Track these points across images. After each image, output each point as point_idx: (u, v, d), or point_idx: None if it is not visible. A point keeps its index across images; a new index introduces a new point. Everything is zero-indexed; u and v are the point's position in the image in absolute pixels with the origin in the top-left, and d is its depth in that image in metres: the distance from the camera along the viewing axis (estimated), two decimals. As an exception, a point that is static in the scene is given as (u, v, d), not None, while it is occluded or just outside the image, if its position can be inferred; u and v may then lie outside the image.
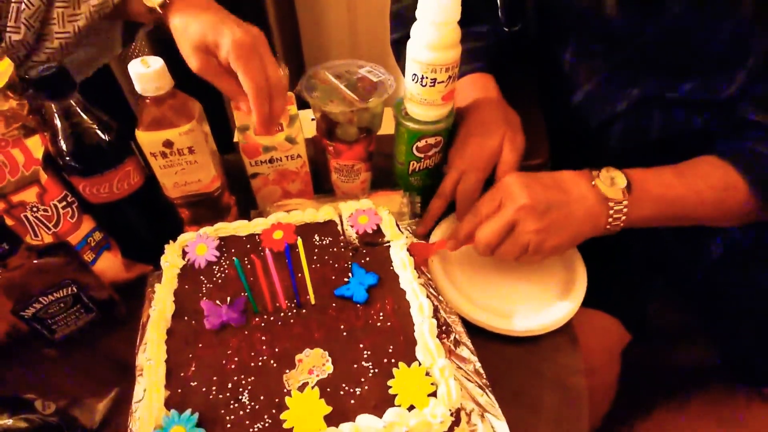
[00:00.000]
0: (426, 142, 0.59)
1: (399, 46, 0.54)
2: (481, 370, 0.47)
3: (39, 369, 0.49)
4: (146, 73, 0.45)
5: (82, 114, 0.46)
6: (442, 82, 0.53)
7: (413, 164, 0.62)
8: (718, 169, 0.49)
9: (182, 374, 0.41)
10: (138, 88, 0.46)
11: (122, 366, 0.47)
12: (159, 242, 0.50)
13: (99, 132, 0.47)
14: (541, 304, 0.53)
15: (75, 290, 0.46)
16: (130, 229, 0.55)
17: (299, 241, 0.40)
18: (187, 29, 0.46)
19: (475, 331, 0.51)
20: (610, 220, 0.48)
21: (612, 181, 0.48)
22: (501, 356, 0.50)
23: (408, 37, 0.51)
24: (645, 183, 0.48)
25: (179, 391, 0.40)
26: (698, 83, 0.51)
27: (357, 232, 0.51)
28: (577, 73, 0.61)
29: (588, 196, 0.48)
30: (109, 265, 0.53)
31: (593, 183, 0.48)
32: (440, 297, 0.53)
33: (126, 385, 0.44)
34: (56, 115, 0.44)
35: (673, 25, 0.49)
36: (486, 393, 0.45)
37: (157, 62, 0.45)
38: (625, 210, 0.47)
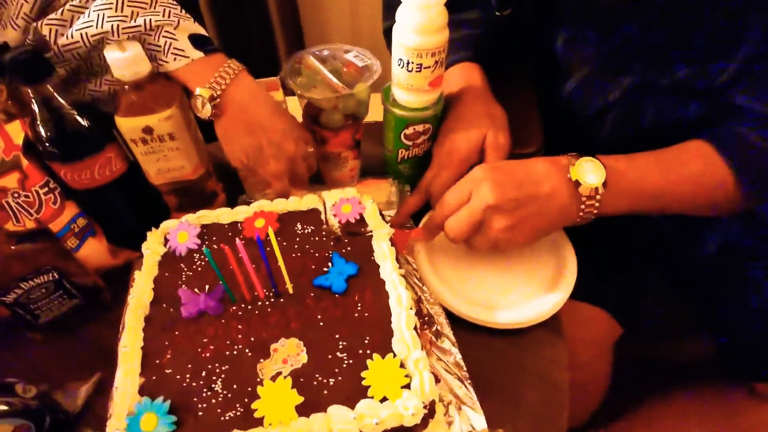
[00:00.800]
0: (414, 129, 0.57)
1: (391, 35, 0.52)
2: (462, 363, 0.46)
3: (22, 353, 0.49)
4: (123, 57, 0.44)
5: (60, 99, 0.45)
6: (429, 67, 0.51)
7: (402, 152, 0.61)
8: (702, 157, 0.47)
9: (157, 361, 0.41)
10: (115, 73, 0.45)
11: (106, 351, 0.47)
12: (145, 228, 0.50)
13: (78, 118, 0.46)
14: (528, 297, 0.52)
15: (56, 276, 0.47)
16: (115, 215, 0.55)
17: (270, 231, 0.40)
18: (231, 146, 0.53)
19: (460, 323, 0.50)
20: (581, 213, 0.47)
21: (588, 172, 0.46)
22: (484, 348, 0.50)
23: None
24: (621, 177, 0.47)
25: (153, 378, 0.40)
26: (693, 69, 0.49)
27: (340, 221, 0.50)
28: (569, 61, 0.59)
29: (561, 191, 0.46)
30: (94, 251, 0.53)
31: (568, 175, 0.46)
32: (424, 287, 0.53)
33: (109, 370, 0.45)
34: (33, 100, 0.44)
35: (666, 5, 0.47)
36: (465, 385, 0.45)
37: (134, 47, 0.44)
38: (597, 204, 0.46)
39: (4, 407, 0.40)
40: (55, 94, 0.45)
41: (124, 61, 0.44)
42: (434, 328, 0.49)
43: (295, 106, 0.61)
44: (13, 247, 0.43)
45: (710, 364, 0.68)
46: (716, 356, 0.67)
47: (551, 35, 0.60)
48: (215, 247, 0.49)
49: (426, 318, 0.50)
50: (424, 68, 0.51)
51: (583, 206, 0.47)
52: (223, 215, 0.51)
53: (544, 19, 0.60)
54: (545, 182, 0.46)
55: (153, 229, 0.50)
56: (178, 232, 0.49)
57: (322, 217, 0.52)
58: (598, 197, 0.46)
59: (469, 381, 0.45)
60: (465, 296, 0.52)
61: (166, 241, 0.49)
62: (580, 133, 0.62)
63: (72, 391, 0.46)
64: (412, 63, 0.51)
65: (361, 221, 0.51)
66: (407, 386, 0.38)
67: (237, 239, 0.39)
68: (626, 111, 0.56)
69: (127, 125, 0.47)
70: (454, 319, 0.50)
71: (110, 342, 0.47)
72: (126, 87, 0.47)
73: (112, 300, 0.54)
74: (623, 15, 0.50)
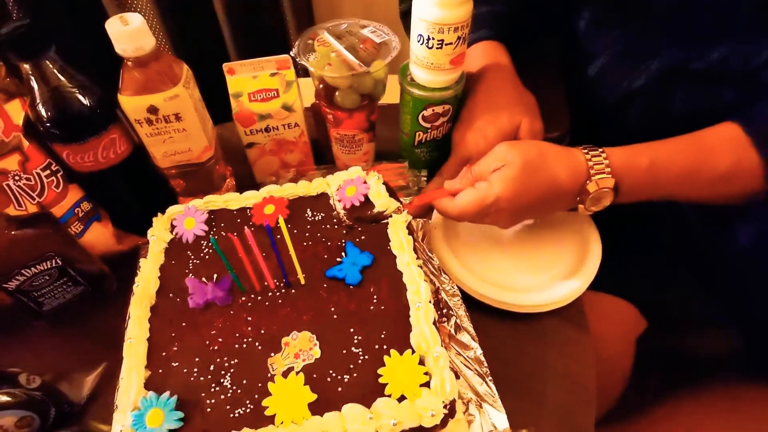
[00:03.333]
0: (433, 110, 0.54)
1: (408, 19, 0.49)
2: (482, 358, 0.44)
3: (27, 342, 0.48)
4: (125, 30, 0.41)
5: (60, 77, 0.43)
6: (451, 43, 0.48)
7: (419, 135, 0.57)
8: (733, 147, 0.44)
9: (164, 354, 0.39)
10: (117, 48, 0.42)
11: (112, 340, 0.46)
12: (152, 213, 0.48)
13: (80, 96, 0.44)
14: (550, 280, 0.49)
15: (60, 263, 0.45)
16: (120, 199, 0.53)
17: (281, 220, 0.37)
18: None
19: (479, 313, 0.47)
20: (587, 212, 0.48)
21: (601, 193, 0.45)
22: (505, 344, 0.47)
23: None
24: (634, 188, 0.46)
25: (160, 371, 0.38)
26: (728, 50, 0.45)
27: (344, 207, 0.47)
28: (593, 44, 0.55)
29: (569, 199, 0.47)
30: (99, 236, 0.52)
31: (587, 187, 0.45)
32: (442, 277, 0.50)
33: (116, 359, 0.43)
34: (32, 77, 0.41)
35: None
36: (486, 382, 0.43)
37: (136, 19, 0.42)
38: (604, 204, 0.47)
39: (7, 399, 0.39)
40: (55, 71, 0.42)
41: (126, 35, 0.41)
42: (453, 321, 0.47)
43: (307, 86, 0.58)
44: (14, 233, 0.41)
45: (737, 360, 0.65)
46: (744, 352, 0.64)
47: (574, 15, 0.56)
48: (223, 234, 0.47)
49: (444, 310, 0.47)
50: (446, 45, 0.48)
51: (591, 208, 0.47)
52: (231, 201, 0.49)
53: (564, 4, 0.56)
54: (561, 194, 0.46)
55: (159, 214, 0.48)
56: (185, 218, 0.47)
57: (331, 202, 0.49)
58: (605, 203, 0.46)
59: (490, 378, 0.43)
60: (484, 278, 0.49)
61: (173, 227, 0.47)
62: (608, 118, 0.58)
63: (77, 382, 0.45)
64: (433, 39, 0.47)
65: (367, 203, 0.47)
66: (426, 384, 0.36)
67: (245, 228, 0.37)
68: (654, 97, 0.52)
69: (131, 104, 0.45)
70: (472, 310, 0.47)
71: (117, 330, 0.45)
72: (129, 63, 0.44)
73: (119, 287, 0.52)
74: None
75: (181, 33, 1.02)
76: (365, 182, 0.48)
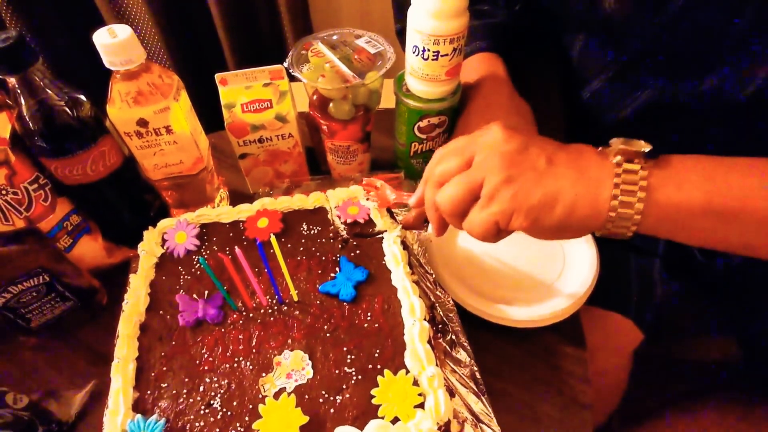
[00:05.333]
0: (428, 121, 0.53)
1: (403, 37, 0.48)
2: (478, 375, 0.43)
3: (15, 358, 0.47)
4: (113, 43, 0.40)
5: (47, 89, 0.42)
6: (446, 55, 0.47)
7: (415, 145, 0.57)
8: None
9: (153, 374, 0.38)
10: (105, 61, 0.41)
11: (102, 356, 0.45)
12: (144, 225, 0.47)
13: (68, 109, 0.43)
14: (546, 295, 0.49)
15: (48, 279, 0.44)
16: (111, 212, 0.52)
17: (273, 239, 0.37)
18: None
19: (474, 329, 0.47)
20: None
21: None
22: (501, 360, 0.46)
23: None
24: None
25: (148, 392, 0.37)
26: (715, 83, 0.43)
27: (345, 222, 0.47)
28: (587, 67, 0.54)
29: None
30: (89, 250, 0.51)
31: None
32: (438, 291, 0.49)
33: (105, 376, 0.42)
34: (18, 90, 0.41)
35: (681, 13, 0.41)
36: (482, 401, 0.42)
37: (125, 31, 0.41)
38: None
39: (-8, 419, 0.38)
40: (43, 83, 0.41)
41: (114, 48, 0.41)
42: (449, 337, 0.46)
43: (301, 95, 0.57)
44: (0, 249, 0.40)
45: (736, 371, 0.65)
46: (743, 364, 0.64)
47: (568, 38, 0.55)
48: (215, 248, 0.46)
49: (440, 326, 0.47)
50: (442, 56, 0.47)
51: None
52: (223, 214, 0.48)
53: (558, 21, 0.55)
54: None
55: (150, 228, 0.47)
56: (176, 232, 0.46)
57: (329, 217, 0.48)
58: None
59: (486, 396, 0.42)
60: (481, 292, 0.49)
61: (164, 241, 0.47)
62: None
63: (66, 400, 0.44)
64: (429, 51, 0.47)
65: (370, 221, 0.47)
66: (420, 405, 0.36)
67: (236, 247, 0.36)
68: (643, 128, 0.50)
69: (120, 117, 0.44)
70: (468, 324, 0.47)
71: (107, 346, 0.44)
72: (118, 75, 0.43)
73: (109, 301, 0.51)
74: (636, 24, 0.45)
75: (177, 40, 1.01)
76: (366, 190, 0.48)
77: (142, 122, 0.44)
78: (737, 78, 0.42)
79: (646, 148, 0.34)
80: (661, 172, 0.34)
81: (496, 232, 0.36)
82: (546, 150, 0.36)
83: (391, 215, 0.49)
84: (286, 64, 0.50)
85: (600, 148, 0.36)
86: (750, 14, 0.39)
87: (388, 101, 0.57)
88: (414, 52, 0.48)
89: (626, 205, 0.33)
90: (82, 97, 0.44)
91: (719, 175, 0.34)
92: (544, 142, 0.37)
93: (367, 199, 0.48)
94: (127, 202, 0.52)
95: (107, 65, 0.42)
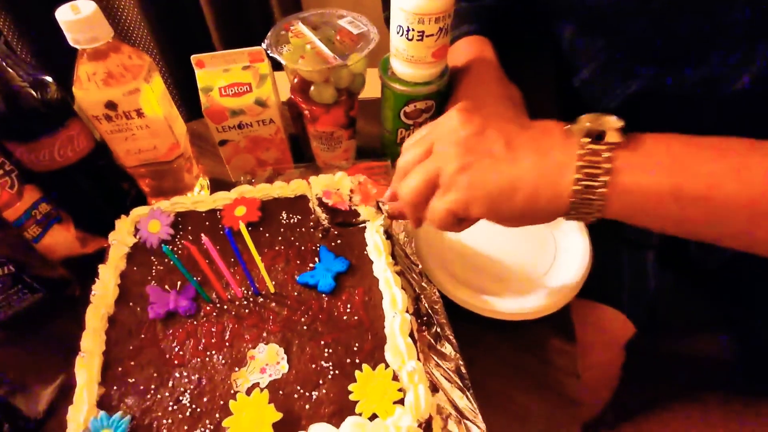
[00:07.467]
0: (415, 106, 0.51)
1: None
2: (463, 370, 0.42)
3: (-19, 353, 0.45)
4: (76, 20, 0.38)
5: (10, 70, 0.40)
6: (432, 35, 0.45)
7: (402, 132, 0.55)
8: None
9: (120, 369, 0.36)
10: (69, 38, 0.39)
11: (72, 348, 0.43)
12: (119, 214, 0.45)
13: (32, 91, 0.41)
14: (535, 287, 0.47)
15: (13, 269, 0.42)
16: (83, 200, 0.50)
17: (242, 227, 0.35)
18: None
19: (461, 322, 0.45)
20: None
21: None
22: (488, 354, 0.45)
23: None
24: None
25: (115, 388, 0.35)
26: (705, 73, 0.41)
27: (327, 210, 0.45)
28: (578, 54, 0.52)
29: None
30: (61, 239, 0.49)
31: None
32: (423, 283, 0.48)
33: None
34: (-22, 71, 0.38)
35: (671, 1, 0.39)
36: (466, 396, 0.40)
37: (89, 7, 0.38)
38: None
39: (-47, 417, 0.36)
40: (5, 64, 0.39)
41: (78, 25, 0.38)
42: (434, 330, 0.44)
43: (283, 81, 0.55)
44: (-42, 239, 0.38)
45: (729, 366, 0.63)
46: (737, 358, 0.62)
47: (559, 24, 0.53)
48: (190, 238, 0.44)
49: (425, 318, 0.45)
50: (427, 36, 0.45)
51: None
52: (200, 203, 0.46)
53: (549, 7, 0.53)
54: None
55: (123, 216, 0.45)
56: (150, 221, 0.44)
57: (310, 205, 0.46)
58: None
59: (471, 391, 0.40)
60: (468, 283, 0.47)
61: (137, 230, 0.45)
62: None
63: (34, 396, 0.42)
64: (413, 30, 0.44)
65: (354, 211, 0.45)
66: (400, 401, 0.34)
67: (202, 235, 0.34)
68: (632, 117, 0.48)
69: (87, 100, 0.42)
70: (454, 316, 0.45)
71: (77, 338, 0.42)
72: (84, 56, 0.41)
73: (83, 293, 0.49)
74: (627, 10, 0.43)
75: (163, 24, 0.98)
76: (351, 190, 0.46)
77: (111, 105, 0.42)
78: (729, 68, 0.40)
79: (618, 124, 0.32)
80: (629, 154, 0.31)
81: (455, 222, 0.35)
82: (505, 132, 0.34)
83: (377, 205, 0.47)
84: (264, 46, 0.48)
85: (567, 126, 0.33)
86: (741, 3, 0.37)
87: (376, 90, 0.55)
88: (398, 33, 0.46)
89: (589, 189, 0.31)
90: (48, 78, 0.42)
91: (690, 157, 0.31)
92: (505, 122, 0.35)
93: (351, 199, 0.46)
94: (100, 191, 0.50)
95: (71, 43, 0.39)
